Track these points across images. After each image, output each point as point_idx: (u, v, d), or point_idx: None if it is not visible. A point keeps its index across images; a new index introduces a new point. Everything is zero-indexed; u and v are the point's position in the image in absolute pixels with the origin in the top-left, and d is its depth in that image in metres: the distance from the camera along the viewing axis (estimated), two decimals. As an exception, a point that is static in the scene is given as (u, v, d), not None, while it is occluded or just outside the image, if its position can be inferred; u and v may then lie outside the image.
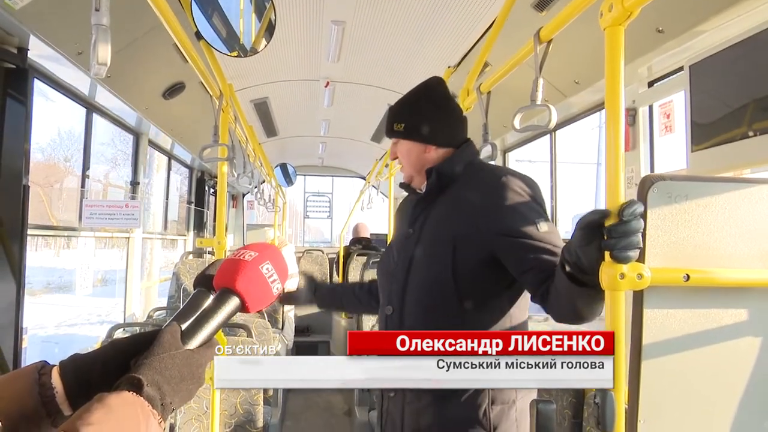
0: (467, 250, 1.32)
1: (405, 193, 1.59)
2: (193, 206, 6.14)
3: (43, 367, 0.60)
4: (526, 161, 4.44)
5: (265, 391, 3.42)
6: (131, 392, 0.54)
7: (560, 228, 3.81)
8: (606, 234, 0.93)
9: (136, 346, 0.61)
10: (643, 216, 0.92)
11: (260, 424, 3.05)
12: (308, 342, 6.84)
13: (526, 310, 1.42)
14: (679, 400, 1.01)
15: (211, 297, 0.69)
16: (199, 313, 0.66)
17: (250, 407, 3.05)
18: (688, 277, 0.96)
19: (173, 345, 0.60)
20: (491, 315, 1.35)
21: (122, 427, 0.50)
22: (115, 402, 0.51)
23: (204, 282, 0.72)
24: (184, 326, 0.63)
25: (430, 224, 1.41)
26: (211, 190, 6.51)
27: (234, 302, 0.67)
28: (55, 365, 0.61)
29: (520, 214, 1.27)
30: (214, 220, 6.25)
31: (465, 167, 1.42)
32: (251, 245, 0.72)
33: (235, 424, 3.01)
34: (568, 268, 1.03)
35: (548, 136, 3.66)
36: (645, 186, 1.00)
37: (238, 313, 0.70)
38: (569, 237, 1.02)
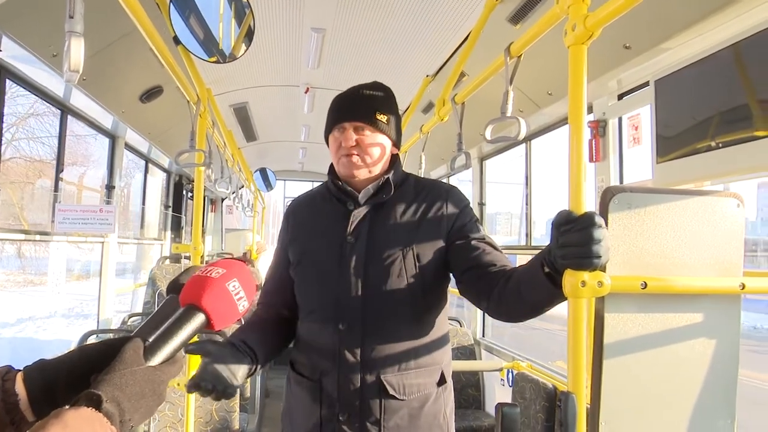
0: (428, 254, 1.37)
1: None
2: (170, 211, 6.07)
3: (8, 373, 0.59)
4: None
5: (242, 397, 3.40)
6: (90, 408, 0.53)
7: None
8: (560, 243, 0.94)
9: (104, 354, 0.61)
10: (593, 225, 0.91)
11: (236, 430, 3.02)
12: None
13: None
14: (639, 401, 1.06)
15: (180, 310, 0.68)
16: (163, 328, 0.65)
17: (226, 414, 3.02)
18: (646, 284, 1.01)
19: (135, 361, 0.59)
20: (437, 312, 1.43)
21: None
22: (72, 417, 0.50)
23: (177, 289, 0.72)
24: (148, 341, 0.63)
25: (382, 232, 1.39)
26: (189, 194, 6.46)
27: (199, 319, 0.67)
28: (19, 371, 0.60)
29: (470, 218, 1.42)
30: (192, 225, 6.21)
31: (406, 177, 1.49)
32: (219, 262, 0.72)
33: (211, 431, 2.99)
34: (546, 269, 1.04)
35: (524, 144, 3.73)
36: (606, 197, 1.05)
37: None
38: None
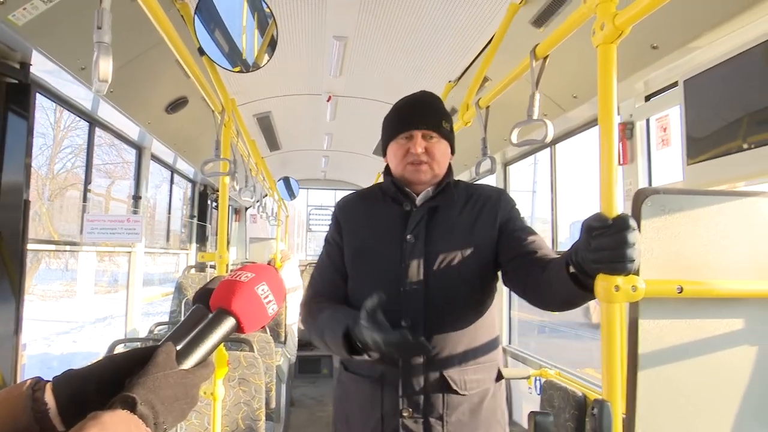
0: (483, 252, 1.43)
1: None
2: (195, 220, 6.16)
3: (37, 383, 0.60)
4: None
5: (267, 405, 3.40)
6: (125, 410, 0.54)
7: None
8: (593, 247, 0.92)
9: (133, 362, 0.61)
10: (627, 229, 0.89)
11: (262, 438, 3.02)
12: (311, 356, 6.82)
13: None
14: (677, 411, 1.02)
15: (210, 315, 0.69)
16: (194, 332, 0.66)
17: (252, 423, 3.02)
18: (682, 289, 0.97)
19: (168, 365, 0.60)
20: (490, 308, 1.48)
21: None
22: (109, 420, 0.51)
23: (203, 298, 0.73)
24: (180, 345, 0.64)
25: (439, 232, 1.43)
26: (214, 204, 6.53)
27: (230, 323, 0.67)
28: (49, 381, 0.61)
29: (518, 214, 1.50)
30: (216, 234, 6.26)
31: (456, 181, 1.55)
32: (248, 266, 0.72)
33: (237, 439, 2.99)
34: (571, 269, 1.04)
35: (548, 149, 3.68)
36: (639, 199, 1.02)
37: None
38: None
